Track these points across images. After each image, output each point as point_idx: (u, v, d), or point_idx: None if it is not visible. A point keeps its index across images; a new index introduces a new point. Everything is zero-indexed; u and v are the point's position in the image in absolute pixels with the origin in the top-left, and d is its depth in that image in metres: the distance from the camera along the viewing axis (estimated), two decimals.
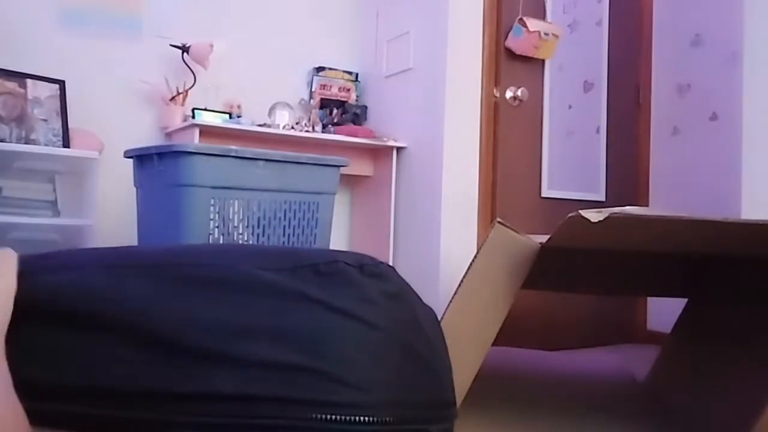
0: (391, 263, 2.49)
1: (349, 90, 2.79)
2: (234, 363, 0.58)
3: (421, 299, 0.74)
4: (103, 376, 0.59)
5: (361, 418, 0.58)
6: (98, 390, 0.58)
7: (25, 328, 0.59)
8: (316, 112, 2.67)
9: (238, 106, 2.50)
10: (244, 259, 0.67)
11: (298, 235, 1.75)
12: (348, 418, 0.58)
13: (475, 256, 1.21)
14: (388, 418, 0.59)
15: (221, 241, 1.62)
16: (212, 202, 1.59)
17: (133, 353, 0.59)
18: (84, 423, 0.58)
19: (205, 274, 0.64)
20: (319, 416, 0.57)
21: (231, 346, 0.59)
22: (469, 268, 1.21)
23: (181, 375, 0.58)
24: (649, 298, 2.80)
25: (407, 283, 0.72)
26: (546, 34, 2.39)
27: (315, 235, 1.79)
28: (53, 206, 2.11)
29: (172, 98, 2.36)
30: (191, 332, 0.60)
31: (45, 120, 2.08)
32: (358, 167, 2.59)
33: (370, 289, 0.64)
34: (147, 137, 2.39)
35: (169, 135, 2.39)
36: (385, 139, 2.52)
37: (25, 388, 0.55)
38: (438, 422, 0.67)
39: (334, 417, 0.57)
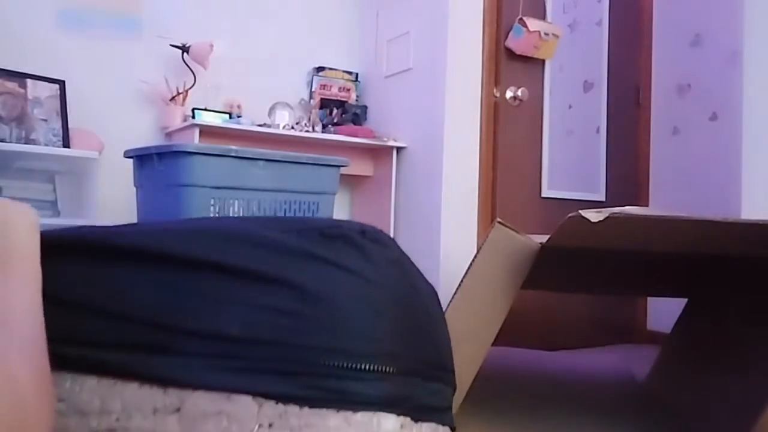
0: None
1: (349, 90, 2.79)
2: (239, 305, 0.60)
3: (421, 274, 0.76)
4: (129, 301, 0.62)
5: (364, 366, 0.60)
6: (122, 314, 0.61)
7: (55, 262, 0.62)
8: (316, 112, 2.67)
9: (238, 106, 2.50)
10: (254, 223, 0.71)
11: None
12: (351, 365, 0.59)
13: (475, 256, 1.21)
14: (388, 368, 0.61)
15: None
16: (212, 202, 1.59)
17: (159, 285, 0.63)
18: (98, 365, 0.60)
19: (225, 230, 0.68)
20: (323, 362, 0.59)
21: (238, 288, 0.61)
22: (469, 268, 1.21)
23: (192, 311, 0.61)
24: (649, 298, 2.80)
25: (407, 256, 0.74)
26: (546, 34, 2.39)
27: None
28: (53, 206, 2.12)
29: (172, 98, 2.36)
30: (205, 272, 0.63)
31: (45, 120, 2.08)
32: (358, 167, 2.59)
33: (372, 252, 0.66)
34: (147, 137, 2.39)
35: (169, 135, 2.39)
36: (385, 139, 2.52)
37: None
38: (435, 381, 0.69)
39: (337, 364, 0.59)
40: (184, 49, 2.37)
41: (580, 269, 1.61)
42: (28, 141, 2.02)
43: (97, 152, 2.08)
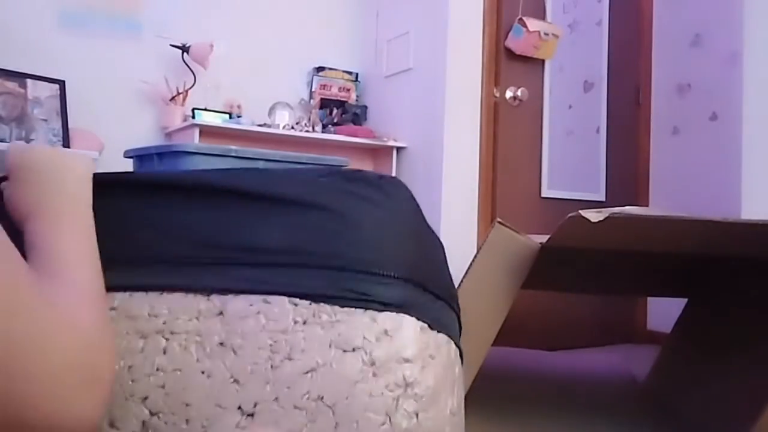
0: None
1: (349, 90, 2.79)
2: (276, 223, 0.67)
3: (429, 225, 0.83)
4: (171, 225, 0.68)
5: (388, 273, 0.66)
6: (167, 235, 0.68)
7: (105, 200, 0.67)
8: (316, 112, 2.67)
9: (238, 106, 2.49)
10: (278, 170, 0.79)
11: None
12: (376, 271, 0.66)
13: (475, 256, 1.21)
14: (408, 278, 0.68)
15: None
16: None
17: (198, 210, 0.69)
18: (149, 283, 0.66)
19: (257, 169, 0.78)
20: (351, 268, 0.65)
21: (275, 210, 0.68)
22: (469, 268, 1.21)
23: (232, 229, 0.67)
24: (649, 298, 2.80)
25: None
26: (546, 34, 2.39)
27: None
28: None
29: (172, 98, 2.36)
30: (243, 200, 0.69)
31: (45, 120, 2.08)
32: (358, 167, 2.59)
33: (390, 191, 0.73)
34: (147, 137, 2.39)
35: (169, 135, 2.39)
36: (385, 139, 2.52)
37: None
38: (446, 303, 0.75)
39: (364, 270, 0.65)
40: (184, 49, 2.37)
41: (580, 269, 1.61)
42: (28, 141, 2.02)
43: (97, 152, 2.08)
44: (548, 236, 1.18)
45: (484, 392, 1.50)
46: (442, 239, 0.84)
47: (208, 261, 0.66)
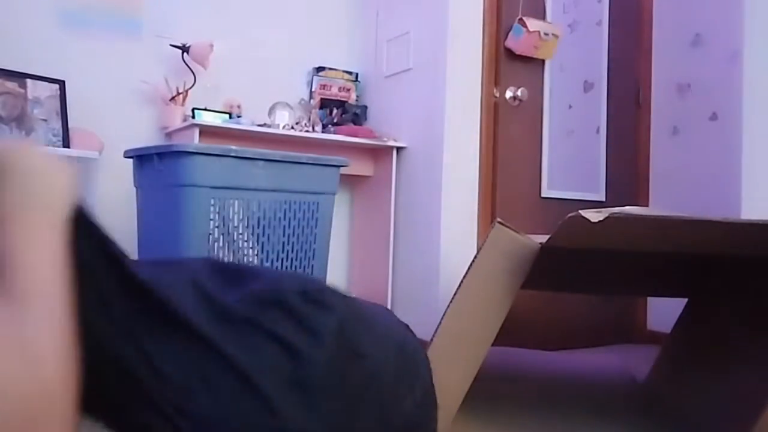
0: (391, 264, 2.49)
1: (349, 90, 2.79)
2: (206, 380, 0.60)
3: (377, 329, 0.72)
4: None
5: None
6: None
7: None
8: (316, 112, 2.67)
9: (238, 106, 2.49)
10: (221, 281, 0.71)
11: (298, 235, 1.75)
12: None
13: (475, 256, 1.21)
14: None
15: (221, 242, 1.62)
16: (212, 202, 1.59)
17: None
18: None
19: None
20: None
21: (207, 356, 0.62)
22: (469, 268, 1.21)
23: (185, 388, 0.62)
24: (649, 298, 2.80)
25: (358, 311, 0.71)
26: (546, 34, 2.39)
27: (315, 235, 1.79)
28: None
29: (172, 98, 2.36)
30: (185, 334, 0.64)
31: (45, 120, 2.08)
32: (358, 167, 2.59)
33: (310, 319, 0.64)
34: (147, 137, 2.39)
35: (169, 135, 2.39)
36: (385, 139, 2.52)
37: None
38: None
39: None
40: (184, 49, 2.37)
41: (580, 269, 1.61)
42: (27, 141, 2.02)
43: (97, 152, 2.08)
44: (548, 236, 1.18)
45: (484, 392, 1.50)
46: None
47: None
